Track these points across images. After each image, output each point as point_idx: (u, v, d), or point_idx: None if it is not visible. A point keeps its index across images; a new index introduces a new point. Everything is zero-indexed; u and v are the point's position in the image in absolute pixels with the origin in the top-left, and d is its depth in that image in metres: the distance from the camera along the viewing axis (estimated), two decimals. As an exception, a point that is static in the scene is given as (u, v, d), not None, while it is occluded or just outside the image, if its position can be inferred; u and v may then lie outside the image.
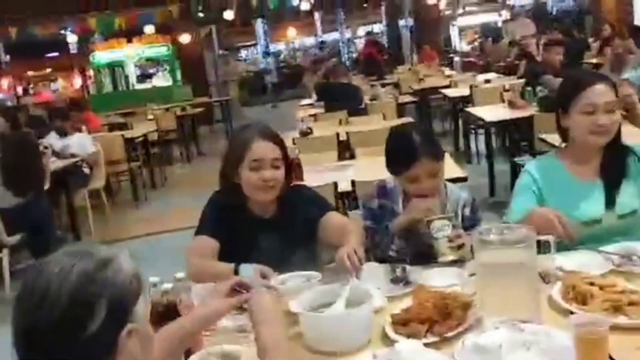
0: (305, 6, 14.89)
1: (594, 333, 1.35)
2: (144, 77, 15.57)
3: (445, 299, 1.72)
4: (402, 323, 1.69)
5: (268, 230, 2.24)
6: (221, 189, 2.31)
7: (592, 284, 1.68)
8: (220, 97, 14.42)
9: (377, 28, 22.79)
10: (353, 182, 3.35)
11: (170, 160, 10.27)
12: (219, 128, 13.26)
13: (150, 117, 9.78)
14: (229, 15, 14.07)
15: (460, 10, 18.13)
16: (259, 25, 23.01)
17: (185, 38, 14.77)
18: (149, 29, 14.07)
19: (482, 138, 6.43)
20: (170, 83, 15.28)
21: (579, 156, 2.22)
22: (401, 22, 19.54)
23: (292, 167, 2.35)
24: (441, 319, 1.67)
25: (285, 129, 5.24)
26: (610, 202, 2.16)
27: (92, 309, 1.01)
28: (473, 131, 7.37)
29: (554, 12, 18.36)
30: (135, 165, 7.78)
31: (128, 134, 7.69)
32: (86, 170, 6.46)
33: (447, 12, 18.16)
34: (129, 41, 15.13)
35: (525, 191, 2.25)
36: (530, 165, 2.32)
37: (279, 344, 1.39)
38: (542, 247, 1.66)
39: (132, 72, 15.52)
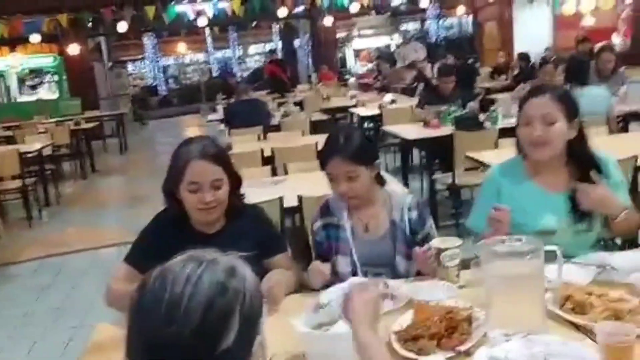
0: (202, 22, 14.62)
1: (623, 342, 1.37)
2: (28, 88, 14.55)
3: (449, 313, 1.69)
4: (410, 339, 1.64)
5: (212, 246, 2.11)
6: (163, 209, 2.18)
7: (589, 293, 1.72)
8: (111, 112, 13.80)
9: (268, 47, 22.95)
10: (300, 198, 3.28)
11: (63, 176, 9.64)
12: (112, 143, 12.67)
13: (42, 130, 9.12)
14: (122, 27, 13.52)
15: (356, 33, 18.63)
16: (149, 39, 22.40)
17: (73, 49, 14.02)
18: (35, 37, 13.21)
19: (397, 156, 6.57)
20: (57, 96, 14.39)
21: (540, 167, 2.21)
22: (296, 42, 19.80)
23: (240, 180, 2.21)
24: (448, 333, 1.65)
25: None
26: (571, 216, 2.14)
27: (228, 321, 0.91)
28: (390, 149, 7.52)
29: (439, 39, 19.37)
30: (30, 182, 7.21)
31: (22, 148, 7.11)
32: (-24, 186, 5.89)
33: (342, 34, 18.61)
34: (12, 50, 14.10)
35: (487, 194, 2.27)
36: (495, 168, 2.34)
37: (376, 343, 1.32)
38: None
39: (14, 83, 14.46)
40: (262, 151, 5.01)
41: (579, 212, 2.13)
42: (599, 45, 11.31)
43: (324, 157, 2.20)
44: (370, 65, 16.99)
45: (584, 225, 2.14)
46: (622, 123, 5.69)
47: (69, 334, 3.97)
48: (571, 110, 2.13)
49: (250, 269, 1.00)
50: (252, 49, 24.31)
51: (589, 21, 14.60)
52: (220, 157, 2.09)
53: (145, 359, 0.91)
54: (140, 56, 23.00)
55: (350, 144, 2.17)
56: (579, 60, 6.14)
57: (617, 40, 13.16)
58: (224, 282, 0.93)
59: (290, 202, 3.41)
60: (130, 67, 22.78)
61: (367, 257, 2.23)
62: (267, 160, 4.98)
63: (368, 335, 1.34)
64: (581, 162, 2.16)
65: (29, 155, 7.27)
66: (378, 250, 2.24)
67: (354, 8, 14.39)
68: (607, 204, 2.08)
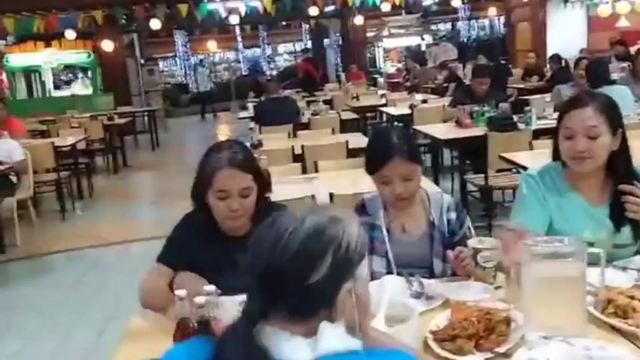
0: (234, 20, 14.71)
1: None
2: (62, 82, 14.81)
3: (488, 314, 1.68)
4: (447, 339, 1.63)
5: (240, 249, 2.08)
6: (193, 210, 2.18)
7: (632, 297, 1.69)
8: (143, 108, 13.97)
9: (298, 46, 23.01)
10: (331, 196, 3.28)
11: (96, 170, 9.79)
12: (143, 139, 12.83)
13: (75, 125, 9.27)
14: (155, 24, 13.67)
15: (386, 32, 18.57)
16: (180, 36, 22.62)
17: (107, 45, 14.21)
18: (70, 34, 13.43)
19: (427, 157, 6.53)
20: (90, 91, 14.61)
21: (581, 178, 2.14)
22: (325, 42, 19.81)
23: (268, 185, 2.20)
24: (485, 334, 1.63)
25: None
26: (612, 229, 2.10)
27: (318, 260, 1.03)
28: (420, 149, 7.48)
29: (470, 40, 19.21)
30: (65, 175, 7.33)
31: (56, 142, 7.23)
32: (13, 178, 6.01)
33: (373, 34, 18.56)
34: (47, 45, 14.37)
35: (534, 199, 2.18)
36: (535, 175, 2.24)
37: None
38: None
39: (49, 78, 14.72)
40: (292, 149, 5.03)
41: (620, 224, 2.09)
42: (636, 47, 11.11)
43: (380, 159, 2.14)
44: (399, 65, 16.92)
45: (624, 237, 2.11)
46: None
47: (102, 325, 4.03)
48: (615, 121, 2.07)
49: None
50: (282, 47, 24.40)
51: (624, 23, 14.34)
52: (249, 164, 2.08)
53: (255, 286, 1.05)
54: (171, 54, 23.23)
55: (407, 144, 2.15)
56: (599, 61, 6.04)
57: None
58: (323, 228, 1.05)
59: (321, 199, 3.42)
60: (161, 64, 23.03)
61: (403, 258, 2.20)
62: (297, 158, 4.99)
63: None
64: (622, 174, 2.10)
65: (64, 149, 7.40)
66: (415, 252, 2.21)
67: (385, 7, 14.31)
68: None
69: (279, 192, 3.50)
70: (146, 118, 12.90)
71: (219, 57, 24.45)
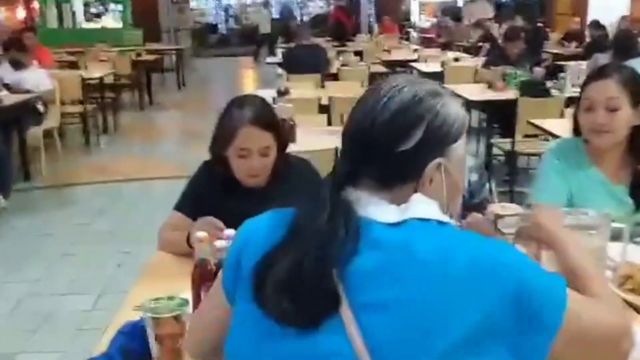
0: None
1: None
2: (92, 15, 14.74)
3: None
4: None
5: (262, 200, 2.05)
6: (211, 160, 2.15)
7: (651, 275, 1.67)
8: (171, 45, 13.89)
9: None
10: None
11: (122, 106, 9.84)
12: (170, 77, 12.81)
13: (104, 58, 9.27)
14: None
15: (423, -15, 18.11)
16: (214, -25, 22.27)
17: (140, -22, 14.07)
18: (103, -36, 13.30)
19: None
20: (120, 25, 14.54)
21: (602, 153, 2.10)
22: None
23: (287, 143, 2.17)
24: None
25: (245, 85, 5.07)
26: (632, 207, 2.06)
27: (411, 129, 1.00)
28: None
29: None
30: (91, 108, 7.38)
31: (84, 74, 7.25)
32: (41, 108, 6.06)
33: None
34: (80, -24, 14.26)
35: (554, 174, 2.15)
36: (554, 148, 2.21)
37: (589, 266, 1.17)
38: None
39: (79, 9, 14.65)
40: (319, 99, 4.98)
41: (636, 203, 2.06)
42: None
43: None
44: (434, 20, 16.53)
45: None
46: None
47: (121, 258, 4.12)
48: (637, 94, 2.02)
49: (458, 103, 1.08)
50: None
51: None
52: (272, 123, 2.05)
53: (345, 147, 1.04)
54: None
55: None
56: (626, 34, 5.84)
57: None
58: (422, 97, 1.02)
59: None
60: (193, 2, 22.75)
61: None
62: (324, 109, 4.95)
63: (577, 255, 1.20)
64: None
65: (91, 82, 7.42)
66: None
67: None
68: None
69: (302, 143, 3.51)
70: (174, 57, 12.86)
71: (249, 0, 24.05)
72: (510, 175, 5.21)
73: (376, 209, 0.99)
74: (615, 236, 1.85)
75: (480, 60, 7.47)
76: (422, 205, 0.99)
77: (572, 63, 6.48)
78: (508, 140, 5.00)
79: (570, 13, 13.99)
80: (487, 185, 2.26)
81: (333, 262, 0.93)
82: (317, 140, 3.58)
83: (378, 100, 1.02)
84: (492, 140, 5.32)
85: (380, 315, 0.90)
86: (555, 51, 9.84)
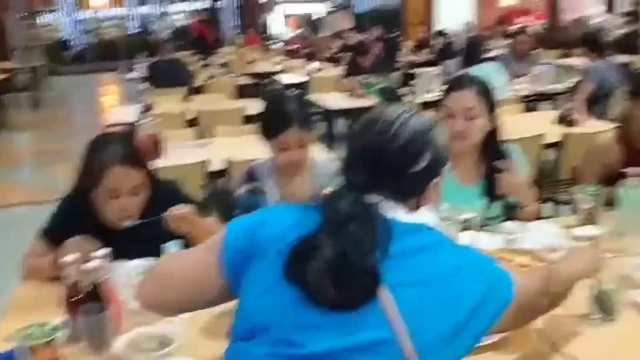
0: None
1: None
2: None
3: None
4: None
5: (127, 238, 1.93)
6: (72, 193, 2.05)
7: (498, 259, 1.86)
8: (23, 64, 13.05)
9: (193, 5, 22.23)
10: (227, 162, 3.30)
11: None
12: (24, 98, 12.03)
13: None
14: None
15: (284, -2, 18.44)
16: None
17: (-18, -5, 13.10)
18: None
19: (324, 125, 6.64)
20: (-38, 43, 13.46)
21: (454, 158, 2.17)
22: (222, 3, 19.34)
23: (157, 180, 2.09)
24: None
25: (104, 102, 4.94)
26: (484, 205, 2.25)
27: (423, 152, 1.19)
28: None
29: (366, 10, 19.44)
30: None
31: None
32: None
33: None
34: None
35: None
36: None
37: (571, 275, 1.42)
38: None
39: None
40: (185, 113, 4.96)
41: (493, 199, 2.26)
42: (515, 27, 11.79)
43: (278, 126, 2.17)
44: (297, 32, 16.90)
45: (494, 212, 2.28)
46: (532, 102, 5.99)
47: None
48: (491, 103, 2.23)
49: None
50: (175, 6, 23.48)
51: (508, 1, 15.14)
52: (140, 158, 2.00)
53: (359, 160, 1.19)
54: (55, 7, 21.75)
55: (304, 111, 2.21)
56: (474, 41, 6.37)
57: (534, 20, 13.71)
58: (428, 126, 1.21)
59: (216, 165, 3.43)
60: (44, 18, 21.51)
61: None
62: (191, 123, 4.94)
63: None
64: (494, 153, 2.26)
65: None
66: None
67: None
68: (522, 190, 2.23)
69: (172, 158, 3.49)
70: (26, 75, 12.08)
71: (106, 14, 23.14)
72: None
73: (396, 212, 1.17)
74: (467, 227, 2.06)
75: (341, 70, 7.76)
76: (428, 215, 1.22)
77: (423, 70, 6.91)
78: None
79: (420, 22, 14.90)
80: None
81: (373, 253, 1.09)
82: (185, 155, 3.58)
83: (391, 124, 1.19)
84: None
85: (411, 290, 1.10)
86: (410, 58, 10.42)
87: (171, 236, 1.91)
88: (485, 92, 2.24)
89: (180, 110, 5.10)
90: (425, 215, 1.22)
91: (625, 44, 8.75)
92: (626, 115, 2.58)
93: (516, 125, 3.43)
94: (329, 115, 6.13)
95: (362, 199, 1.16)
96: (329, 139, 6.26)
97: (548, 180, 3.78)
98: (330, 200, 1.18)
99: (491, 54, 7.94)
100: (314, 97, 6.39)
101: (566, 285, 1.39)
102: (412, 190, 1.21)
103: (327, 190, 1.22)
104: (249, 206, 2.27)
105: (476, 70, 4.84)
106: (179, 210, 1.93)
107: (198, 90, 6.80)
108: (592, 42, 5.54)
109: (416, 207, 1.21)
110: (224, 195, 3.35)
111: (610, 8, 12.80)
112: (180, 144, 3.91)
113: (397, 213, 1.17)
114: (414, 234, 1.16)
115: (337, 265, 1.08)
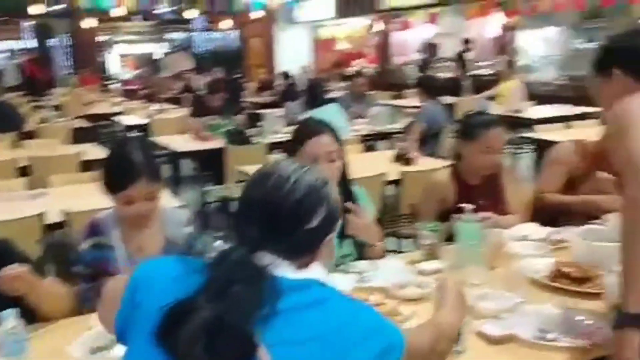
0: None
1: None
2: None
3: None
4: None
5: None
6: None
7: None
8: None
9: (16, 45, 20.83)
10: (66, 214, 3.08)
11: None
12: None
13: None
14: None
15: (120, 38, 17.87)
16: None
17: None
18: None
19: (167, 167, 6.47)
20: None
21: None
22: (52, 42, 18.31)
23: None
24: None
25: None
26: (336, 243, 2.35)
27: (318, 208, 1.19)
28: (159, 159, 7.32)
29: (206, 51, 19.48)
30: None
31: None
32: None
33: (106, 38, 17.71)
34: None
35: None
36: None
37: (447, 328, 1.47)
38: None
39: None
40: (16, 161, 4.59)
41: (343, 238, 2.33)
42: (352, 69, 12.46)
43: (123, 180, 2.04)
44: (136, 72, 16.45)
45: (345, 250, 2.36)
46: (370, 142, 6.32)
47: None
48: (341, 144, 2.33)
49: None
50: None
51: (344, 45, 15.98)
52: None
53: (253, 215, 1.17)
54: None
55: (151, 162, 2.10)
56: (316, 83, 6.66)
57: (367, 64, 14.57)
58: (320, 183, 1.22)
59: (53, 218, 3.19)
60: None
61: None
62: (23, 172, 4.57)
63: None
64: (344, 193, 2.29)
65: None
66: None
67: (119, 12, 13.79)
68: (369, 230, 2.32)
69: (2, 212, 3.18)
70: None
71: None
72: (225, 220, 5.42)
73: (284, 269, 1.15)
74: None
75: (184, 111, 7.67)
76: (319, 271, 1.20)
77: (267, 111, 7.04)
78: (221, 187, 5.21)
79: (260, 64, 15.23)
80: (202, 236, 2.32)
81: (255, 316, 1.06)
82: (17, 208, 3.29)
83: (286, 179, 1.19)
84: (205, 188, 5.48)
85: (294, 348, 1.08)
86: (253, 100, 10.57)
87: (6, 298, 1.74)
88: (336, 134, 2.32)
89: (9, 157, 4.71)
90: (316, 271, 1.20)
91: (451, 87, 9.62)
92: (458, 154, 2.79)
93: (358, 164, 3.59)
94: (174, 157, 6.00)
95: (251, 258, 1.13)
96: (175, 183, 6.12)
97: (389, 215, 3.98)
98: (216, 258, 1.15)
99: (330, 95, 8.28)
100: (156, 139, 6.24)
101: (451, 339, 1.46)
102: (306, 247, 1.20)
103: (217, 247, 1.19)
104: (93, 262, 2.15)
105: (319, 112, 5.01)
106: (13, 270, 1.78)
107: (29, 135, 6.32)
108: (425, 85, 5.98)
109: (308, 264, 1.20)
110: (63, 251, 3.11)
111: (432, 54, 13.97)
112: (10, 195, 3.60)
113: (287, 271, 1.15)
114: (302, 290, 1.14)
115: (212, 329, 1.03)
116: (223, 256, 1.15)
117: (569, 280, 2.04)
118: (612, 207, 2.48)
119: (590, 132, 3.20)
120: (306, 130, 2.34)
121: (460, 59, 11.25)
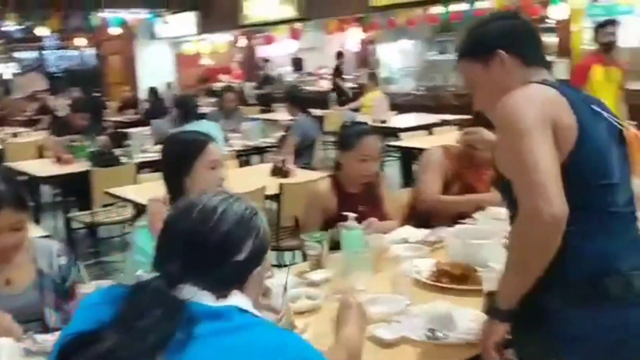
0: None
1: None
2: None
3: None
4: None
5: None
6: None
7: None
8: None
9: None
10: None
11: None
12: None
13: None
14: None
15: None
16: None
17: None
18: None
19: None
20: None
21: None
22: None
23: None
24: None
25: None
26: None
27: (246, 240, 1.17)
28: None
29: (60, 71, 18.46)
30: None
31: None
32: None
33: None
34: None
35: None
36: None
37: (356, 346, 1.49)
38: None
39: None
40: None
41: None
42: (220, 84, 12.35)
43: None
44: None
45: None
46: (244, 157, 6.29)
47: None
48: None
49: None
50: None
51: (208, 61, 15.81)
52: None
53: (177, 249, 1.14)
54: None
55: (16, 191, 1.96)
56: (187, 97, 6.56)
57: (233, 79, 14.50)
58: (249, 214, 1.20)
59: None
60: None
61: (9, 313, 1.98)
62: None
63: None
64: None
65: None
66: (22, 305, 2.02)
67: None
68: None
69: None
70: None
71: None
72: (93, 247, 5.14)
73: (204, 299, 1.11)
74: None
75: (42, 134, 7.18)
76: (239, 299, 1.15)
77: (134, 130, 6.76)
78: (87, 212, 4.92)
79: (122, 82, 14.67)
80: (76, 266, 2.21)
81: (158, 350, 1.02)
82: None
83: (212, 211, 1.16)
84: (70, 215, 5.14)
85: None
86: (116, 119, 10.12)
87: None
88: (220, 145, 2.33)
89: None
90: (236, 299, 1.15)
91: (319, 100, 9.84)
92: (338, 164, 2.84)
93: (237, 179, 3.55)
94: (33, 183, 5.57)
95: (170, 291, 1.09)
96: (36, 210, 5.69)
97: (270, 229, 3.96)
98: (133, 289, 1.10)
99: (199, 111, 8.13)
100: (12, 164, 5.78)
101: (357, 355, 1.48)
102: (233, 280, 1.16)
103: (138, 276, 1.15)
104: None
105: (196, 128, 4.90)
106: None
107: None
108: (294, 98, 6.05)
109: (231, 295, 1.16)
110: None
111: (297, 68, 14.23)
112: None
113: (206, 300, 1.12)
114: (222, 317, 1.09)
115: None
116: (140, 287, 1.10)
117: (450, 279, 2.14)
118: (492, 202, 2.68)
119: (450, 137, 3.43)
120: (195, 146, 2.24)
121: (337, 71, 11.51)
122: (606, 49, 5.64)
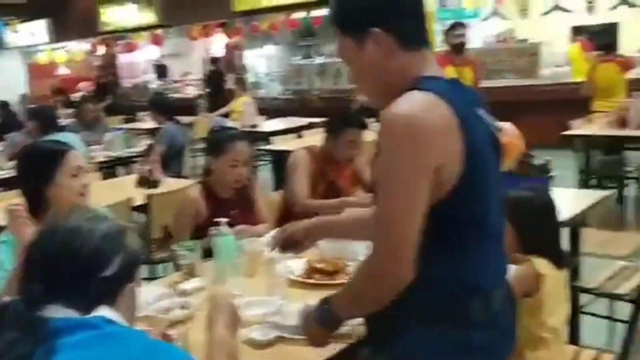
0: None
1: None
2: None
3: None
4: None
5: None
6: None
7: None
8: None
9: None
10: None
11: None
12: None
13: None
14: None
15: None
16: None
17: None
18: None
19: None
20: None
21: None
22: None
23: None
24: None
25: None
26: None
27: (114, 256, 1.15)
28: None
29: None
30: None
31: None
32: None
33: None
34: None
35: None
36: None
37: (226, 345, 1.45)
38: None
39: None
40: None
41: None
42: (78, 95, 11.75)
43: None
44: None
45: None
46: (108, 169, 6.03)
47: None
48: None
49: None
50: None
51: (65, 70, 14.99)
52: None
53: (44, 269, 1.12)
54: None
55: None
56: (45, 108, 6.22)
57: (92, 88, 13.83)
58: (116, 231, 1.19)
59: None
60: None
61: None
62: None
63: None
64: None
65: None
66: None
67: None
68: None
69: None
70: None
71: None
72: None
73: (62, 313, 1.09)
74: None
75: None
76: (105, 311, 1.12)
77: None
78: None
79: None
80: None
81: None
82: None
83: (77, 231, 1.14)
84: None
85: None
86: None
87: None
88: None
89: None
90: (103, 312, 1.13)
91: (186, 107, 9.65)
92: (208, 169, 2.82)
93: (101, 192, 3.41)
94: None
95: (31, 312, 1.07)
96: None
97: (140, 242, 3.83)
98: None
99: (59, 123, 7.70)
100: None
101: (232, 355, 1.45)
102: (101, 296, 1.14)
103: None
104: None
105: (60, 139, 4.63)
106: None
107: None
108: (158, 106, 5.88)
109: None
110: None
111: (162, 75, 13.86)
112: None
113: (70, 314, 1.10)
114: (88, 327, 1.07)
115: None
116: (4, 311, 1.08)
117: (323, 275, 2.20)
118: (361, 204, 2.77)
119: (317, 138, 3.53)
120: (57, 150, 2.16)
121: (211, 77, 11.26)
122: (457, 50, 6.03)
